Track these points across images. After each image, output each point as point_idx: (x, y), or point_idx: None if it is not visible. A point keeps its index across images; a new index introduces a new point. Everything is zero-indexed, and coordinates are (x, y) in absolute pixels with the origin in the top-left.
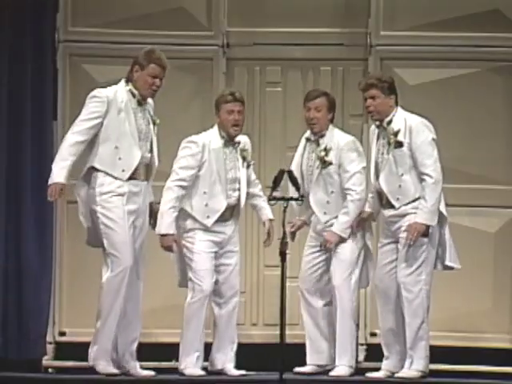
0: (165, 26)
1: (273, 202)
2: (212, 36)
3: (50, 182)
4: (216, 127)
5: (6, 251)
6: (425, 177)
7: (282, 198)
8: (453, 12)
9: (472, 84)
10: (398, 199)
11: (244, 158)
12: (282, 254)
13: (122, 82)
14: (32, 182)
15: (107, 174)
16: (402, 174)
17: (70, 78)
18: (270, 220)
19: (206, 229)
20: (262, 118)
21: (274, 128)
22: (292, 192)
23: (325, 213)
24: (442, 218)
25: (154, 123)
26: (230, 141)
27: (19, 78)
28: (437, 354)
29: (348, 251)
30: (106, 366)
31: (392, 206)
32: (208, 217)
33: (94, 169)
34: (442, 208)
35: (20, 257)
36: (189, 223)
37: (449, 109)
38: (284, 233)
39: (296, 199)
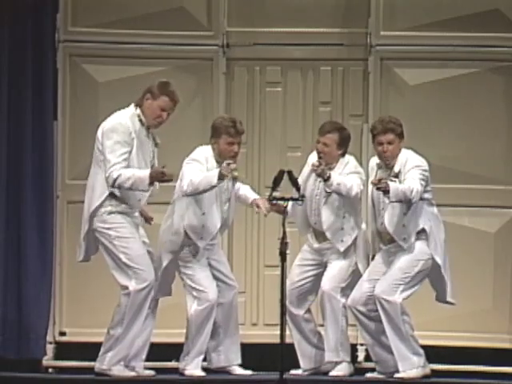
0: (165, 26)
1: (273, 202)
2: (212, 36)
3: (146, 180)
4: (210, 149)
5: (6, 251)
6: (411, 182)
7: (282, 198)
8: (453, 12)
9: (472, 84)
10: (404, 239)
11: (235, 179)
12: (282, 254)
13: (132, 107)
14: (32, 182)
15: (124, 202)
16: (405, 213)
17: (70, 78)
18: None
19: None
20: (262, 118)
21: (273, 128)
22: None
23: (342, 240)
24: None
25: (156, 145)
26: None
27: (19, 77)
28: (437, 354)
29: (342, 266)
30: (122, 371)
31: (394, 241)
32: (202, 238)
33: (112, 195)
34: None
35: (20, 257)
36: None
37: (449, 109)
38: (284, 233)
39: (296, 199)
